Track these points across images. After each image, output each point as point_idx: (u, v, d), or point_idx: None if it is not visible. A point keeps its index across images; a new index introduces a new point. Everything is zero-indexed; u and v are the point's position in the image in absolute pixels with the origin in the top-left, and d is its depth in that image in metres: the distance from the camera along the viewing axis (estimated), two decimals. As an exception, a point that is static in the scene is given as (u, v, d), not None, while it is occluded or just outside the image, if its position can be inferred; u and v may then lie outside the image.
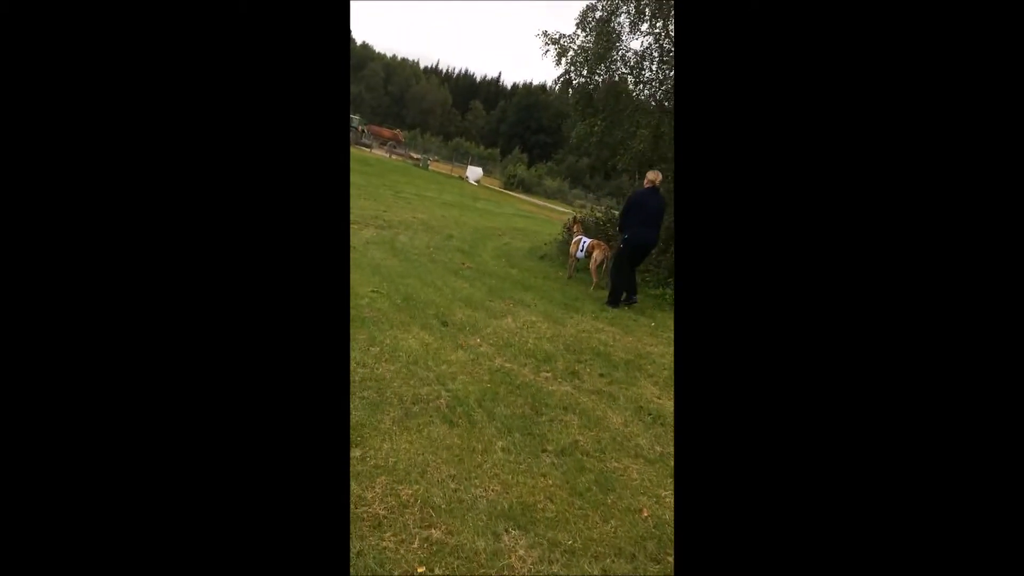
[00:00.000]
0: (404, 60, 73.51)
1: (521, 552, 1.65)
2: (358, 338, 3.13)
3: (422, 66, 76.72)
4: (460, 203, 14.59)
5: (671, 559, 1.72)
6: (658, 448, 2.46)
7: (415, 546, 1.59)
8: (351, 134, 26.21)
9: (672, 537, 1.81)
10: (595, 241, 6.01)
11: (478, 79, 79.80)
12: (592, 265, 5.84)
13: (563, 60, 7.74)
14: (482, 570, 1.56)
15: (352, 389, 2.49)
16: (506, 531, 1.73)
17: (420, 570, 1.52)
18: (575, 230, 6.52)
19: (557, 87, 8.22)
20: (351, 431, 2.14)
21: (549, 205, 24.82)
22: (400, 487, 1.85)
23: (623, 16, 7.49)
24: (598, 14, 7.54)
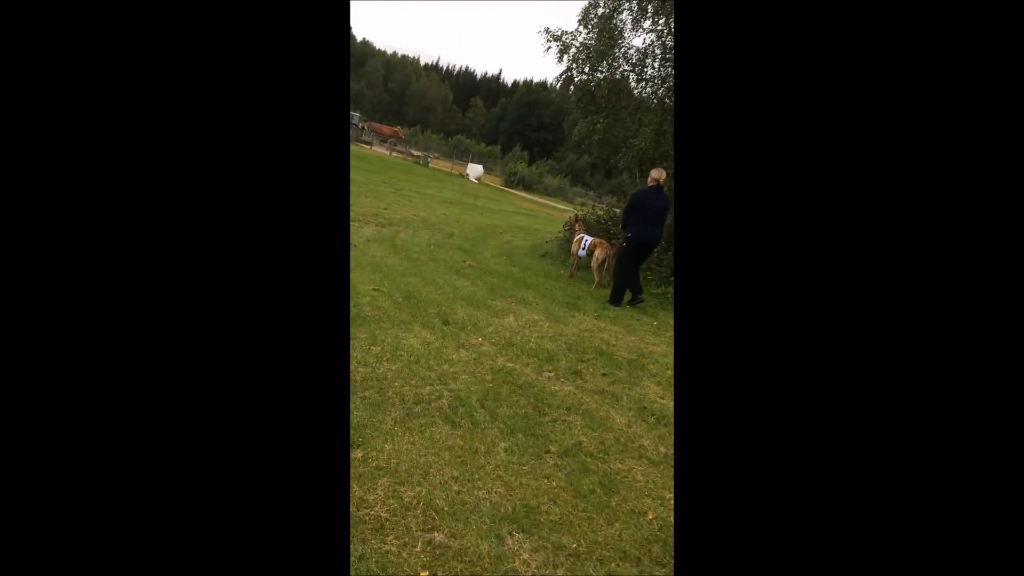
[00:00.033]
0: (404, 57, 73.39)
1: (525, 556, 1.63)
2: (359, 337, 3.11)
3: (422, 63, 76.62)
4: (461, 201, 14.55)
5: (677, 563, 1.70)
6: (662, 449, 2.44)
7: (418, 549, 1.57)
8: (351, 131, 26.17)
9: (677, 540, 1.79)
10: (597, 239, 5.98)
11: (479, 76, 79.68)
12: (594, 264, 5.82)
13: (565, 57, 7.72)
14: (486, 574, 1.54)
15: (353, 389, 2.47)
16: (510, 534, 1.71)
17: (423, 574, 1.49)
18: (577, 228, 6.49)
19: (558, 85, 8.19)
20: (352, 432, 2.11)
21: (550, 203, 24.79)
22: (402, 489, 1.83)
23: (625, 13, 7.46)
24: (600, 11, 7.51)
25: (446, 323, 3.69)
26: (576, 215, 7.36)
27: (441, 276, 5.09)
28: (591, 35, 7.58)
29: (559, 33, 7.77)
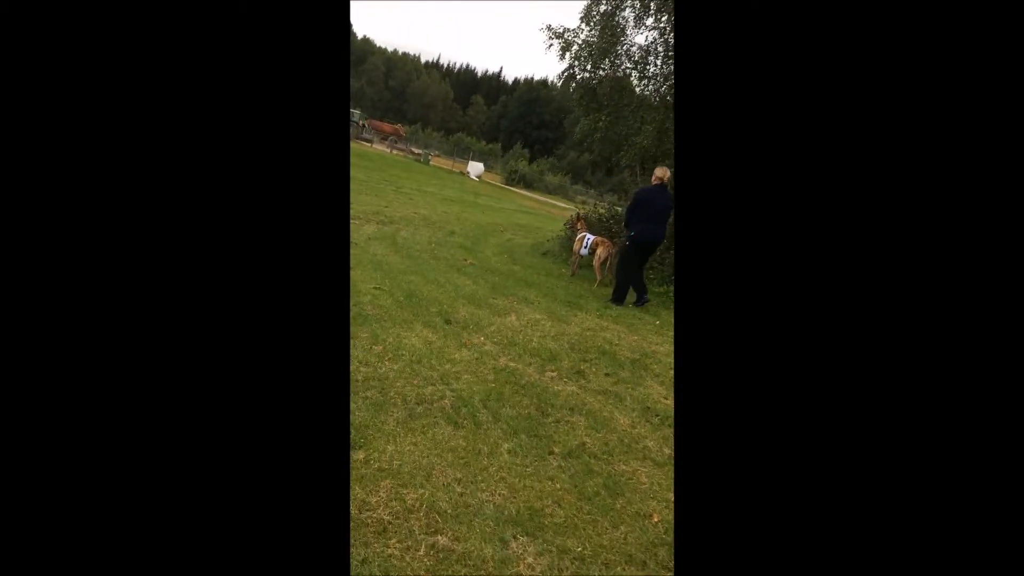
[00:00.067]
0: (405, 54, 73.23)
1: (530, 560, 1.61)
2: (361, 336, 3.09)
3: (423, 60, 76.48)
4: (461, 199, 14.53)
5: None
6: (666, 451, 2.42)
7: (421, 553, 1.55)
8: (352, 129, 26.13)
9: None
10: (599, 238, 5.95)
11: (479, 74, 79.57)
12: (596, 262, 5.79)
13: (567, 55, 7.67)
14: (490, 578, 1.52)
15: (355, 389, 2.45)
16: (514, 537, 1.68)
17: (426, 579, 1.47)
18: (579, 227, 6.46)
19: (560, 82, 8.16)
20: (355, 432, 2.09)
21: (550, 201, 24.75)
22: (405, 491, 1.80)
23: (628, 10, 7.43)
24: (603, 8, 7.47)
25: (448, 322, 3.67)
26: (578, 213, 7.32)
27: (442, 274, 5.06)
28: (593, 32, 7.54)
29: (561, 30, 7.73)
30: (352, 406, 2.29)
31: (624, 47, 7.50)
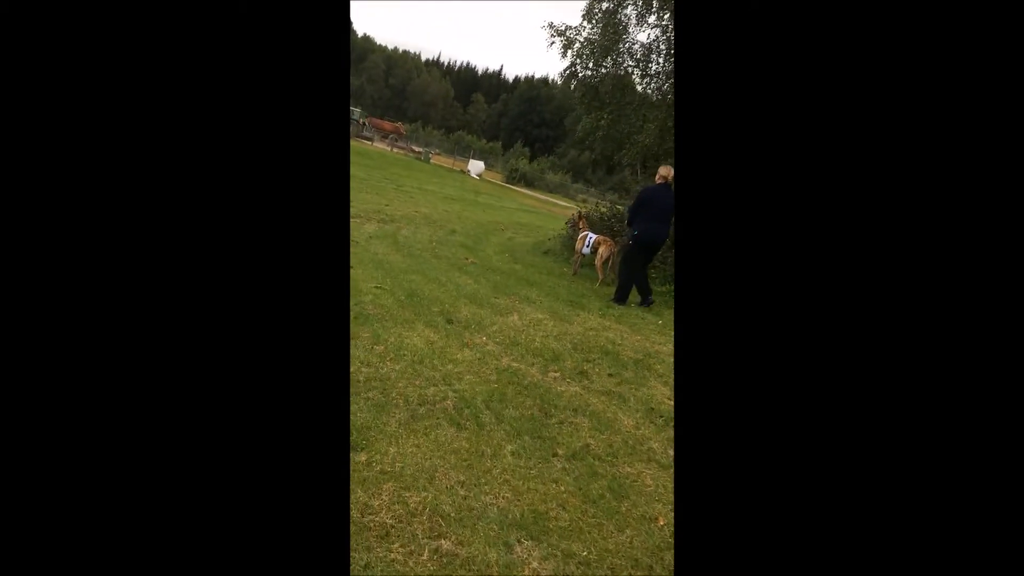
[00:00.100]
0: (405, 52, 73.11)
1: (535, 564, 1.58)
2: (362, 336, 3.06)
3: (423, 59, 76.37)
4: (462, 197, 14.50)
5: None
6: (671, 452, 2.39)
7: (424, 558, 1.53)
8: (352, 127, 26.10)
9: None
10: (601, 237, 5.92)
11: (480, 72, 79.46)
12: (598, 261, 5.76)
13: (569, 52, 7.64)
14: (495, 584, 1.50)
15: (357, 390, 2.42)
16: (518, 541, 1.66)
17: (430, 584, 1.45)
18: (580, 226, 6.43)
19: (561, 81, 8.14)
20: (357, 434, 2.07)
21: (551, 199, 24.71)
22: (408, 494, 1.78)
23: (630, 8, 7.39)
24: (605, 5, 7.43)
25: (449, 322, 3.64)
26: (579, 212, 7.29)
27: (444, 273, 5.04)
28: (595, 30, 7.50)
29: (563, 28, 7.70)
30: (354, 407, 2.27)
31: (626, 45, 7.47)
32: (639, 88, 7.63)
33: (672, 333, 4.35)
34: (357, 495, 1.73)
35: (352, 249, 5.11)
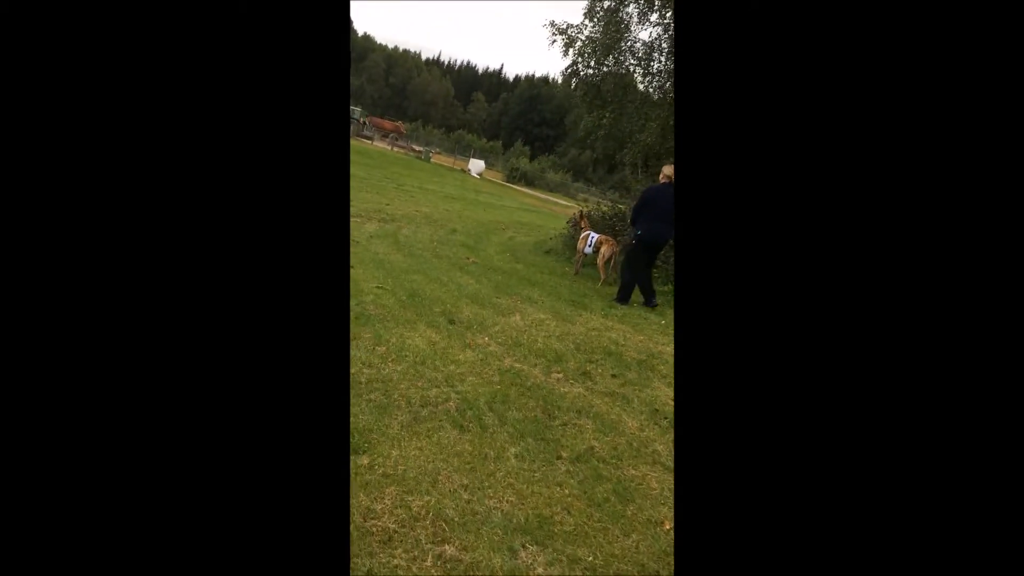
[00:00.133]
0: (406, 52, 73.04)
1: (540, 570, 1.56)
2: (363, 337, 3.04)
3: (424, 58, 76.31)
4: (463, 196, 14.47)
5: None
6: (676, 454, 2.37)
7: (428, 564, 1.50)
8: (353, 126, 26.06)
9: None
10: (603, 236, 5.89)
11: (480, 71, 79.40)
12: (600, 261, 5.73)
13: (570, 51, 7.60)
14: (499, 590, 1.47)
15: (359, 391, 2.40)
16: (523, 546, 1.64)
17: (434, 591, 1.42)
18: (582, 225, 6.40)
19: (562, 79, 8.11)
20: (359, 436, 2.04)
21: (551, 198, 24.68)
22: (411, 498, 1.75)
23: (632, 6, 7.36)
24: (606, 3, 7.40)
25: (451, 322, 3.62)
26: (581, 211, 7.26)
27: (445, 273, 5.01)
28: (597, 28, 7.47)
29: (565, 27, 7.66)
30: (356, 409, 2.24)
31: (628, 43, 7.43)
32: (641, 87, 7.60)
33: (675, 333, 4.32)
34: (359, 499, 1.70)
35: (353, 249, 5.08)
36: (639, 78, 7.59)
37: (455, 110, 67.37)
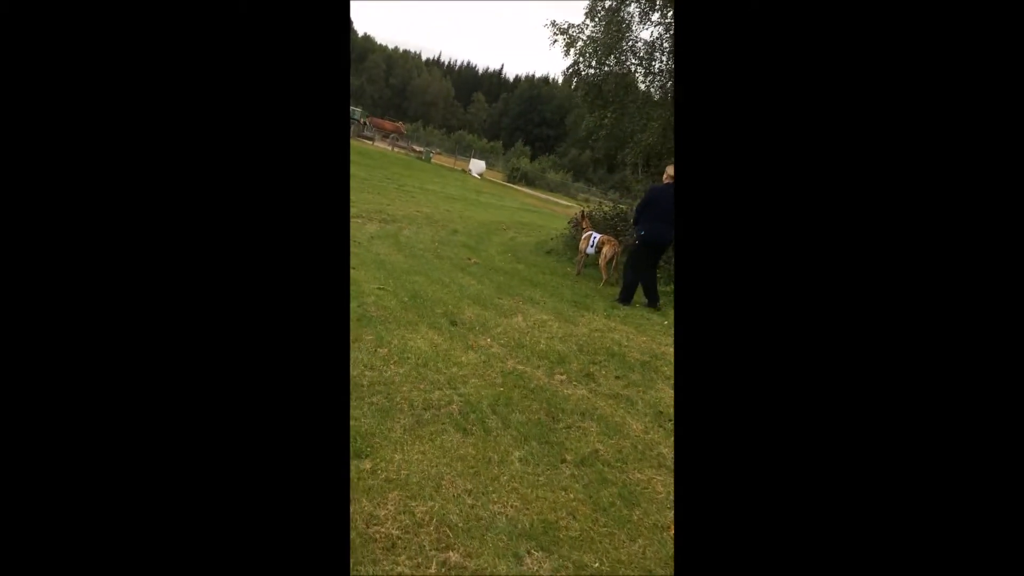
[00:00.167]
0: (406, 52, 73.06)
1: (546, 577, 1.54)
2: (365, 339, 3.01)
3: (424, 58, 76.33)
4: (463, 196, 14.46)
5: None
6: (682, 457, 2.34)
7: (432, 571, 1.48)
8: (353, 127, 26.05)
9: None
10: (605, 236, 5.87)
11: (480, 71, 79.42)
12: (602, 261, 5.71)
13: (571, 51, 7.58)
14: (505, 598, 1.45)
15: (361, 394, 2.38)
16: (528, 552, 1.61)
17: (438, 599, 1.40)
18: (584, 225, 6.37)
19: (564, 79, 8.09)
20: (361, 440, 2.02)
21: (552, 198, 24.67)
22: (414, 503, 1.73)
23: (633, 6, 7.33)
24: (608, 3, 7.37)
25: (453, 323, 3.60)
26: (582, 211, 7.23)
27: (447, 274, 4.99)
28: (598, 28, 7.45)
29: (566, 26, 7.64)
30: (358, 412, 2.22)
31: (629, 43, 7.41)
32: (642, 87, 7.58)
33: (678, 334, 4.29)
34: (362, 504, 1.68)
35: (354, 250, 5.06)
36: (640, 78, 7.58)
37: (455, 110, 67.38)
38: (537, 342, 3.49)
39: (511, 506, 1.81)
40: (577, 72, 7.72)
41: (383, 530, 1.59)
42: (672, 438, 2.51)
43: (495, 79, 76.93)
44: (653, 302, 4.97)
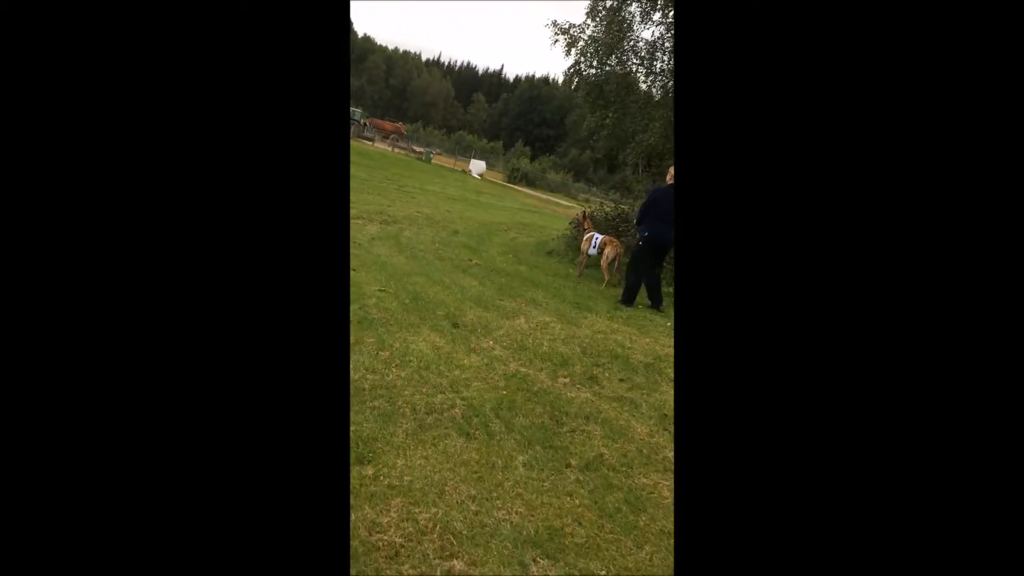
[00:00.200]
0: (406, 53, 73.06)
1: (552, 585, 1.51)
2: (366, 341, 2.99)
3: (424, 59, 76.33)
4: (464, 197, 14.44)
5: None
6: (687, 461, 2.31)
7: (436, 580, 1.45)
8: (353, 127, 26.03)
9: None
10: (607, 237, 5.84)
11: (480, 72, 79.42)
12: (604, 262, 5.68)
13: (572, 51, 7.55)
14: (511, 607, 1.42)
15: (362, 398, 2.35)
16: (534, 560, 1.58)
17: (443, 609, 1.37)
18: (585, 226, 6.35)
19: (564, 79, 8.07)
20: (363, 445, 1.99)
21: (552, 199, 24.65)
22: (417, 510, 1.70)
23: (634, 5, 7.30)
24: (608, 3, 7.35)
25: (455, 325, 3.57)
26: (584, 212, 7.21)
27: (448, 275, 4.96)
28: (599, 28, 7.42)
29: (567, 26, 7.62)
30: (360, 417, 2.19)
31: (631, 43, 7.38)
32: (643, 86, 7.55)
33: (681, 335, 4.27)
34: (365, 511, 1.65)
35: (355, 251, 5.04)
36: (642, 78, 7.55)
37: (455, 111, 67.37)
38: (540, 344, 3.47)
39: (516, 512, 1.78)
40: (578, 72, 7.70)
41: (386, 538, 1.56)
42: (677, 442, 2.48)
43: (495, 79, 76.94)
44: (656, 303, 4.94)
